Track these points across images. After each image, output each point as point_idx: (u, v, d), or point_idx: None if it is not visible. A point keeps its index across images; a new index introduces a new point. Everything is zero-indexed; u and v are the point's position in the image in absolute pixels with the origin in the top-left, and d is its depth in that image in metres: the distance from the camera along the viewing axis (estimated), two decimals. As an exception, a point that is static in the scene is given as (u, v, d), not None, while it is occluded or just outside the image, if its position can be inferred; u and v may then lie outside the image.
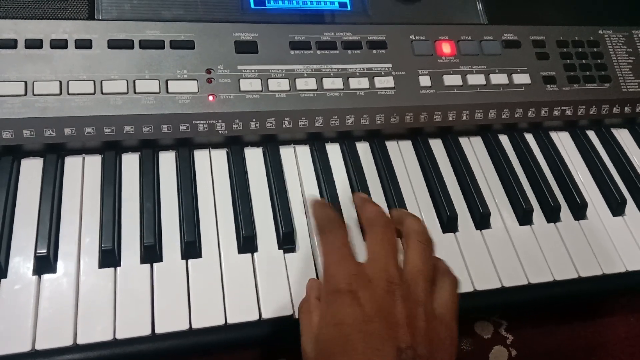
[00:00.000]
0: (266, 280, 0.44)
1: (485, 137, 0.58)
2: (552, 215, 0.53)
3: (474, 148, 0.57)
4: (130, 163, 0.49)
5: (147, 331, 0.40)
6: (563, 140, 0.60)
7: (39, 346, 0.38)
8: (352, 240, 0.41)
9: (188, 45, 0.51)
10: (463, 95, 0.56)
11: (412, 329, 0.34)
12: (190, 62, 0.50)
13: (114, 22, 0.50)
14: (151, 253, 0.44)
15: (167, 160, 0.50)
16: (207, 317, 0.41)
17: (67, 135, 0.47)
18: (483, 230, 0.51)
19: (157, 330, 0.40)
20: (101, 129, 0.47)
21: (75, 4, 0.51)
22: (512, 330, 0.50)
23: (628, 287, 0.51)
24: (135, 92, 0.48)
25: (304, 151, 0.53)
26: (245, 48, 0.52)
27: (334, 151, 0.54)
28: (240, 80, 0.51)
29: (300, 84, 0.52)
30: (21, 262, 0.42)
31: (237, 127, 0.50)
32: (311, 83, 0.52)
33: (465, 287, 0.46)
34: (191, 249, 0.44)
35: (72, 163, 0.48)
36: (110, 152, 0.49)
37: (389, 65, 0.55)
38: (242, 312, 0.42)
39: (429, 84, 0.55)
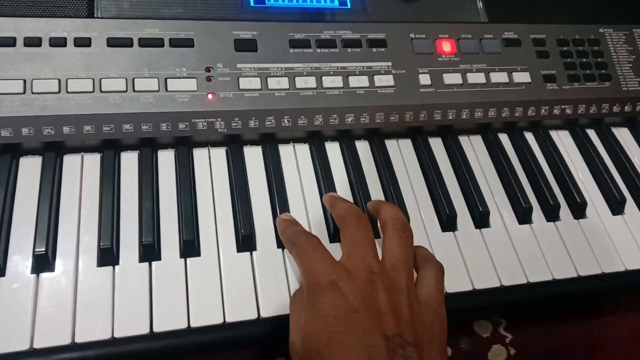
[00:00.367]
0: (265, 279, 0.44)
1: (485, 135, 0.58)
2: (551, 214, 0.53)
3: (473, 147, 0.57)
4: (129, 161, 0.49)
5: (145, 330, 0.40)
6: (563, 139, 0.60)
7: (37, 345, 0.38)
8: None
9: (187, 43, 0.51)
10: (463, 93, 0.56)
11: (397, 316, 0.35)
12: (189, 61, 0.50)
13: (113, 20, 0.50)
14: (150, 252, 0.44)
15: (166, 159, 0.50)
16: (206, 315, 0.41)
17: (66, 134, 0.47)
18: (482, 229, 0.51)
19: (156, 329, 0.40)
20: (100, 127, 0.47)
21: (75, 2, 0.50)
22: (511, 329, 0.50)
23: (627, 286, 0.51)
24: (134, 91, 0.48)
25: (303, 150, 0.53)
26: (245, 46, 0.52)
27: (333, 150, 0.54)
28: (240, 79, 0.51)
29: (300, 82, 0.52)
30: (20, 260, 0.42)
31: (236, 126, 0.50)
32: (311, 81, 0.52)
33: (464, 286, 0.46)
34: (190, 247, 0.44)
35: (71, 161, 0.48)
36: (109, 150, 0.49)
37: (389, 63, 0.55)
38: (241, 311, 0.42)
39: (429, 83, 0.55)
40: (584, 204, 0.54)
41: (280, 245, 0.46)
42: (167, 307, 0.41)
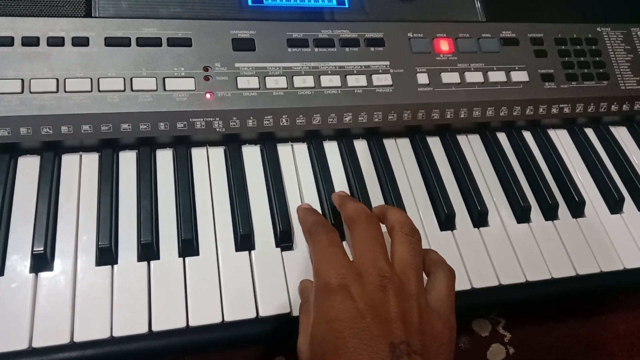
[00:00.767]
0: (264, 278, 0.44)
1: (483, 134, 0.58)
2: (549, 213, 0.53)
3: (471, 146, 0.57)
4: (128, 161, 0.49)
5: (144, 329, 0.40)
6: (561, 138, 0.60)
7: (36, 344, 0.38)
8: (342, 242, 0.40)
9: (185, 42, 0.51)
10: (461, 92, 0.56)
11: (406, 323, 0.34)
12: (187, 60, 0.50)
13: (111, 20, 0.50)
14: (148, 251, 0.44)
15: (165, 158, 0.50)
16: (205, 314, 0.41)
17: (64, 133, 0.47)
18: (481, 228, 0.51)
19: (155, 328, 0.40)
20: (98, 127, 0.47)
21: (72, 2, 0.51)
22: (510, 328, 0.50)
23: (626, 285, 0.51)
24: (132, 90, 0.48)
25: (301, 149, 0.53)
26: (243, 46, 0.52)
27: (331, 149, 0.54)
28: (238, 78, 0.51)
29: (298, 81, 0.52)
30: (18, 260, 0.42)
31: (234, 125, 0.50)
32: (309, 81, 0.52)
33: (462, 285, 0.46)
34: (188, 246, 0.44)
35: (69, 161, 0.48)
36: (108, 150, 0.49)
37: (387, 62, 0.55)
38: (240, 310, 0.42)
39: (427, 82, 0.55)
40: (582, 203, 0.54)
41: (278, 244, 0.46)
42: (165, 306, 0.41)
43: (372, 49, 0.55)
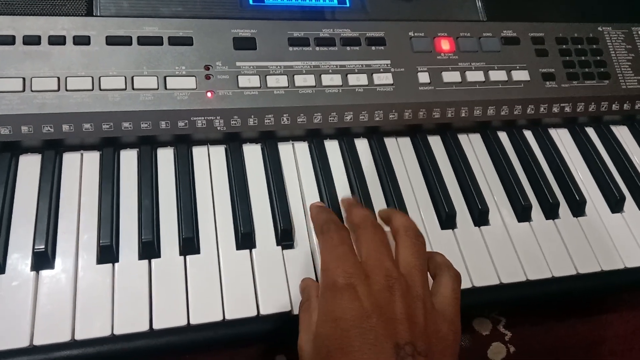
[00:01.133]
0: (264, 277, 0.44)
1: (484, 134, 0.58)
2: (550, 212, 0.53)
3: (472, 145, 0.57)
4: (129, 159, 0.49)
5: (145, 327, 0.40)
6: (562, 137, 0.60)
7: (37, 342, 0.38)
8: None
9: (186, 41, 0.51)
10: (462, 92, 0.56)
11: (411, 324, 0.34)
12: (188, 59, 0.50)
13: (112, 19, 0.50)
14: (149, 249, 0.44)
15: (166, 157, 0.50)
16: (205, 313, 0.41)
17: (66, 132, 0.47)
18: (481, 227, 0.51)
19: (155, 326, 0.40)
20: (99, 126, 0.47)
21: (74, 1, 0.51)
22: (511, 327, 0.50)
23: (626, 284, 0.51)
24: (133, 89, 0.48)
25: (302, 148, 0.53)
26: (244, 44, 0.52)
27: (332, 148, 0.54)
28: (239, 77, 0.51)
29: (299, 80, 0.52)
30: (19, 258, 0.42)
31: (235, 124, 0.50)
32: (310, 80, 0.52)
33: (463, 284, 0.46)
34: (189, 245, 0.44)
35: (70, 159, 0.48)
36: (109, 148, 0.49)
37: (388, 61, 0.55)
38: (240, 308, 0.42)
39: (428, 81, 0.55)
40: (583, 202, 0.54)
41: (279, 242, 0.46)
42: (166, 305, 0.41)
43: (373, 48, 0.55)
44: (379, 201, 0.51)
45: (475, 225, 0.51)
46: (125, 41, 0.49)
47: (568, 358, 0.50)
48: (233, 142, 0.52)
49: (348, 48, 0.55)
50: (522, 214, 0.52)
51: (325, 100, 0.52)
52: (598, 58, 0.61)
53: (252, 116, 0.50)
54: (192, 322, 0.41)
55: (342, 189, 0.51)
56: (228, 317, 0.42)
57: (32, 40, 0.48)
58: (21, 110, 0.46)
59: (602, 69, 0.61)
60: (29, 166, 0.47)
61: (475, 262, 0.48)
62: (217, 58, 0.51)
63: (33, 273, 0.41)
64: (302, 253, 0.46)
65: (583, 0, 0.65)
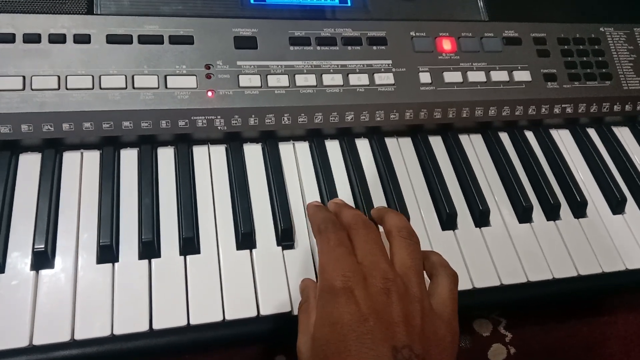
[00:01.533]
0: (265, 277, 0.44)
1: (485, 134, 0.58)
2: (551, 213, 0.53)
3: (473, 145, 0.57)
4: (129, 159, 0.49)
5: (145, 327, 0.40)
6: (563, 138, 0.60)
7: (37, 341, 0.38)
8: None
9: (187, 40, 0.51)
10: (463, 92, 0.56)
11: (409, 327, 0.34)
12: (189, 58, 0.50)
13: (113, 17, 0.50)
14: (149, 249, 0.44)
15: (166, 156, 0.50)
16: (206, 313, 0.41)
17: (66, 131, 0.46)
18: (482, 228, 0.51)
19: (155, 327, 0.40)
20: (99, 124, 0.47)
21: (74, -1, 0.50)
22: (511, 328, 0.50)
23: (627, 286, 0.51)
24: (133, 88, 0.48)
25: (303, 147, 0.53)
26: (245, 44, 0.52)
27: (333, 147, 0.54)
28: (240, 76, 0.51)
29: (300, 80, 0.52)
30: (19, 257, 0.42)
31: (236, 123, 0.50)
32: (311, 79, 0.52)
33: (464, 285, 0.46)
34: (189, 245, 0.44)
35: (70, 158, 0.48)
36: (109, 147, 0.49)
37: (389, 61, 0.55)
38: (241, 309, 0.42)
39: (429, 81, 0.55)
40: (584, 203, 0.54)
41: (279, 243, 0.46)
42: (166, 305, 0.41)
43: (374, 47, 0.55)
44: (379, 202, 0.51)
45: (476, 226, 0.51)
46: (125, 40, 0.49)
47: (568, 359, 0.50)
48: (234, 142, 0.52)
49: (349, 48, 0.54)
50: (523, 214, 0.52)
51: (326, 100, 0.52)
52: (600, 59, 0.61)
53: (253, 116, 0.50)
54: (192, 322, 0.41)
55: (343, 189, 0.51)
56: (228, 317, 0.41)
57: (32, 39, 0.47)
58: (21, 109, 0.45)
59: (603, 70, 0.61)
60: (29, 165, 0.47)
61: (476, 262, 0.48)
62: (218, 57, 0.51)
63: (33, 272, 0.41)
64: (303, 253, 0.46)
65: (585, 1, 0.65)
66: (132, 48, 0.49)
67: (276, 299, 0.43)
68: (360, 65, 0.54)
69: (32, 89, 0.46)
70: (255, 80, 0.51)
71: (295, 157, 0.52)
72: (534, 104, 0.57)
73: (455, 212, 0.50)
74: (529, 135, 0.59)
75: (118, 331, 0.40)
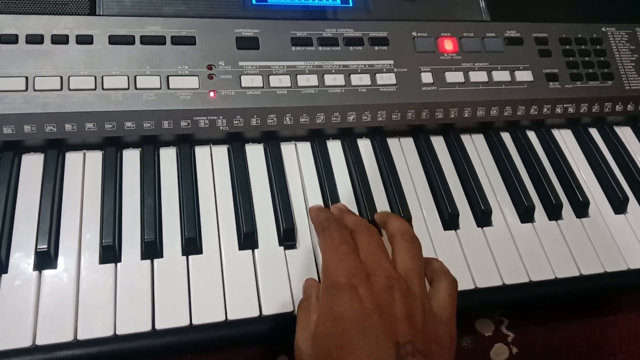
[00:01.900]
0: (267, 277, 0.44)
1: (487, 134, 0.58)
2: (553, 212, 0.53)
3: (475, 145, 0.57)
4: (131, 159, 0.49)
5: (147, 327, 0.40)
6: (565, 138, 0.60)
7: (40, 341, 0.38)
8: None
9: (189, 41, 0.51)
10: (465, 92, 0.56)
11: (411, 323, 0.35)
12: (191, 58, 0.50)
13: (115, 18, 0.50)
14: (152, 249, 0.44)
15: (168, 157, 0.50)
16: (208, 313, 0.41)
17: (68, 131, 0.47)
18: (484, 228, 0.51)
19: (158, 326, 0.40)
20: (102, 125, 0.47)
21: (77, 0, 0.50)
22: (513, 328, 0.50)
23: (630, 285, 0.51)
24: (136, 88, 0.48)
25: (305, 148, 0.53)
26: (247, 44, 0.52)
27: (335, 148, 0.54)
28: (242, 77, 0.51)
29: (302, 80, 0.52)
30: (22, 257, 0.42)
31: (238, 124, 0.50)
32: (312, 79, 0.52)
33: (466, 285, 0.46)
34: (192, 245, 0.44)
35: (72, 159, 0.48)
36: (111, 148, 0.49)
37: (391, 62, 0.55)
38: (243, 309, 0.42)
39: (431, 81, 0.55)
40: (586, 202, 0.54)
41: (281, 243, 0.46)
42: (169, 305, 0.41)
43: (376, 48, 0.55)
44: (381, 202, 0.51)
45: (478, 226, 0.51)
46: (128, 40, 0.49)
47: (571, 359, 0.50)
48: (235, 142, 0.52)
49: (351, 48, 0.54)
50: (525, 214, 0.52)
51: (328, 101, 0.52)
52: (602, 58, 0.61)
53: (255, 116, 0.50)
54: (195, 322, 0.41)
55: (345, 189, 0.51)
56: (230, 317, 0.41)
57: (34, 40, 0.47)
58: (24, 110, 0.46)
59: (605, 70, 0.61)
60: (32, 165, 0.47)
61: (478, 262, 0.48)
62: (220, 58, 0.51)
63: (35, 273, 0.41)
64: (305, 253, 0.46)
65: (586, 1, 0.65)
66: (135, 49, 0.49)
67: (278, 299, 0.43)
68: (362, 66, 0.54)
69: (34, 90, 0.46)
70: (257, 81, 0.51)
71: (297, 157, 0.52)
72: (536, 103, 0.57)
73: (457, 212, 0.50)
74: (531, 135, 0.59)
75: (120, 331, 0.40)
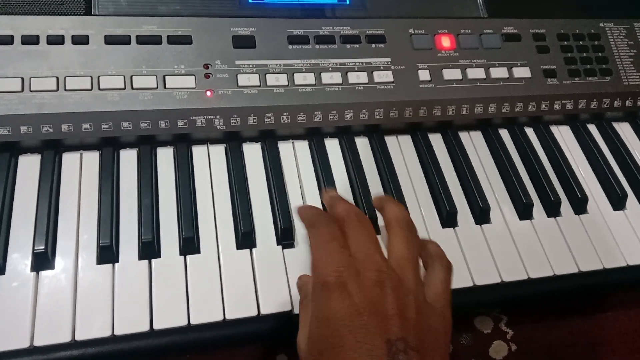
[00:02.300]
0: (265, 276, 0.44)
1: (485, 131, 0.58)
2: (552, 209, 0.53)
3: (473, 142, 0.57)
4: (128, 159, 0.49)
5: (145, 327, 0.40)
6: (564, 134, 0.60)
7: (37, 342, 0.38)
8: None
9: (185, 40, 0.51)
10: (463, 89, 0.55)
11: (403, 319, 0.34)
12: (187, 58, 0.50)
13: (111, 18, 0.50)
14: (149, 249, 0.44)
15: (165, 156, 0.50)
16: (206, 313, 0.41)
17: (65, 132, 0.46)
18: (483, 225, 0.50)
19: (156, 327, 0.40)
20: (98, 125, 0.47)
21: (72, 0, 0.50)
22: (512, 325, 0.50)
23: (629, 282, 0.51)
24: (132, 88, 0.48)
25: (302, 146, 0.53)
26: (243, 43, 0.52)
27: (332, 146, 0.54)
28: (238, 76, 0.51)
29: (299, 78, 0.52)
30: (19, 258, 0.42)
31: (235, 123, 0.50)
32: (309, 78, 0.52)
33: (464, 282, 0.46)
34: (189, 244, 0.44)
35: (69, 159, 0.48)
36: (108, 148, 0.49)
37: (388, 59, 0.55)
38: (241, 308, 0.42)
39: (429, 78, 0.55)
40: (584, 199, 0.54)
41: (279, 242, 0.46)
42: (167, 305, 0.41)
43: (373, 45, 0.55)
44: (379, 200, 0.50)
45: (476, 223, 0.51)
46: (123, 40, 0.49)
47: (570, 356, 0.50)
48: (233, 141, 0.52)
49: (348, 46, 0.54)
50: (524, 211, 0.52)
51: (325, 99, 0.52)
52: (600, 54, 0.61)
53: (252, 115, 0.50)
54: (193, 322, 0.41)
55: (343, 187, 0.51)
56: (229, 316, 0.41)
57: (30, 40, 0.47)
58: (20, 111, 0.46)
59: (603, 66, 0.60)
60: (29, 166, 0.47)
61: (477, 260, 0.48)
62: (217, 57, 0.51)
63: (33, 273, 0.41)
64: (303, 252, 0.46)
65: (584, -4, 0.65)
66: (131, 48, 0.49)
67: (276, 298, 0.43)
68: (359, 64, 0.54)
69: (30, 91, 0.46)
70: (254, 80, 0.51)
71: (295, 156, 0.52)
72: (534, 100, 0.57)
73: (455, 209, 0.50)
74: (529, 131, 0.59)
75: (119, 331, 0.40)
